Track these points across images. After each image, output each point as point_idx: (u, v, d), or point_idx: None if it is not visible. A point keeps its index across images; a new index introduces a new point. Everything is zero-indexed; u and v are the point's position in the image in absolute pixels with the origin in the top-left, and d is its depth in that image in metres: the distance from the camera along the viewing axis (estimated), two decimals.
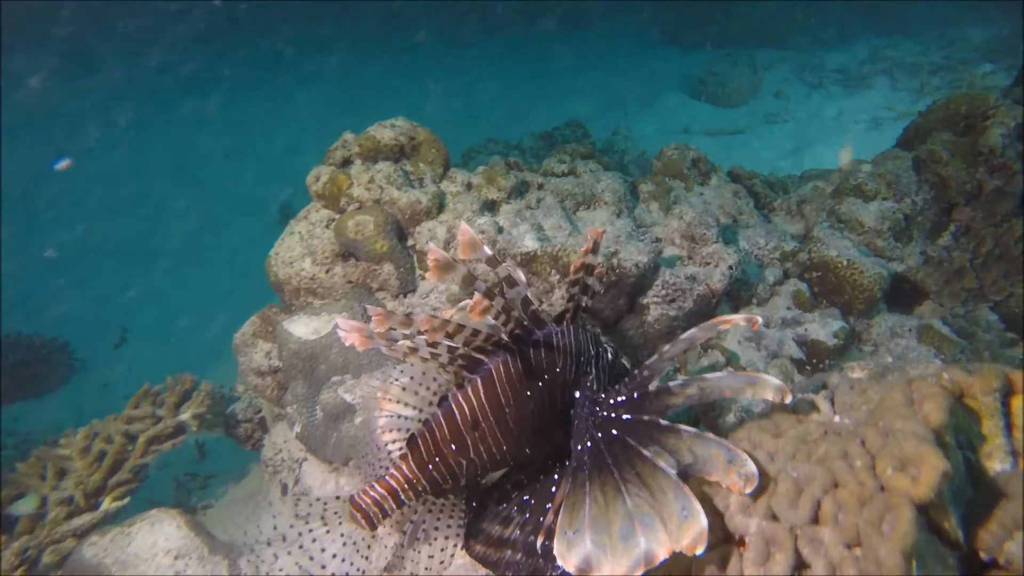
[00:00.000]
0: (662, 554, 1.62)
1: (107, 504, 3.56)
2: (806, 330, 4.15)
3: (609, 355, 2.36)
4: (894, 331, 4.33)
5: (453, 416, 2.10)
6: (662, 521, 1.67)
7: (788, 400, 1.79)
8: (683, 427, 1.85)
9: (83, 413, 7.44)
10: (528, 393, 2.11)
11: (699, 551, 1.59)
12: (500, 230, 3.96)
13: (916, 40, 16.02)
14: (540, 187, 4.49)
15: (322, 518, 2.15)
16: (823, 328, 4.12)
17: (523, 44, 21.92)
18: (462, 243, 1.91)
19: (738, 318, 2.01)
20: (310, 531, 2.13)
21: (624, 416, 2.03)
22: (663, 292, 3.79)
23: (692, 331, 2.02)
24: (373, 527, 2.12)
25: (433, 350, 2.04)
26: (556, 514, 1.94)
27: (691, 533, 1.61)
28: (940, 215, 4.72)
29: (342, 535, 2.13)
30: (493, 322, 2.10)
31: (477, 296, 1.90)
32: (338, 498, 2.15)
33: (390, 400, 2.27)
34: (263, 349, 3.87)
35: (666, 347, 2.05)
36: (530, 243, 3.82)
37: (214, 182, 13.56)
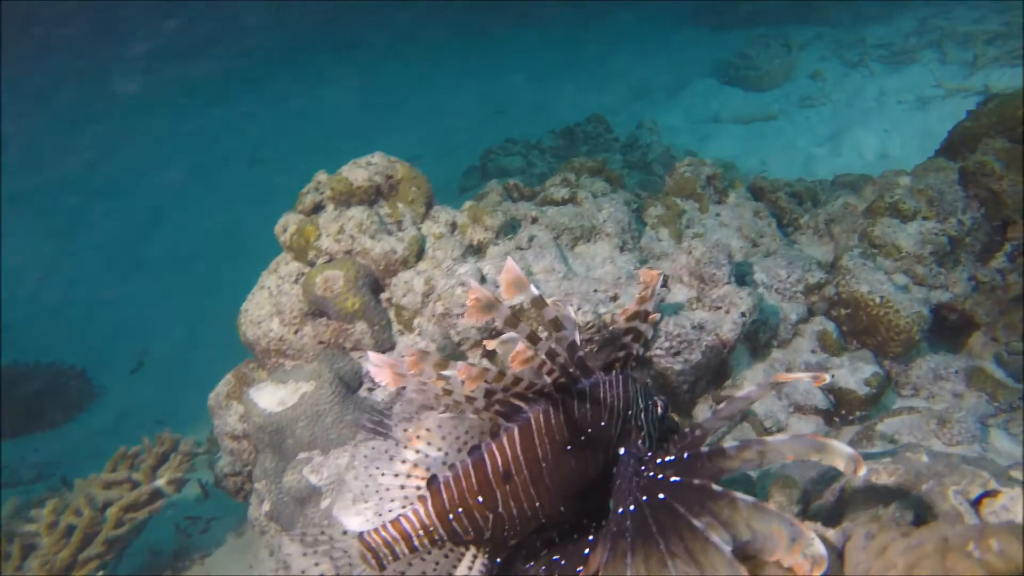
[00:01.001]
0: None
1: None
2: (833, 376, 3.68)
3: (659, 409, 2.23)
4: (937, 373, 3.81)
5: (484, 466, 1.96)
6: None
7: (862, 472, 1.59)
8: (740, 495, 1.67)
9: (99, 442, 7.44)
10: (569, 448, 1.97)
11: None
12: (483, 279, 3.61)
13: (970, 5, 14.79)
14: (534, 221, 4.11)
15: (330, 556, 2.01)
16: (853, 374, 3.65)
17: (551, 33, 21.32)
18: (506, 282, 1.77)
19: (804, 376, 1.81)
20: (316, 565, 2.01)
21: (672, 479, 1.87)
22: (666, 344, 3.38)
23: (751, 388, 1.87)
24: (382, 568, 2.00)
25: (469, 394, 1.91)
26: None
27: None
28: (992, 234, 4.15)
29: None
30: (535, 369, 1.97)
31: (521, 346, 1.77)
32: (346, 533, 2.01)
33: (418, 437, 2.09)
34: (237, 412, 3.62)
35: (722, 405, 1.91)
36: (530, 291, 3.44)
37: (238, 192, 13.54)
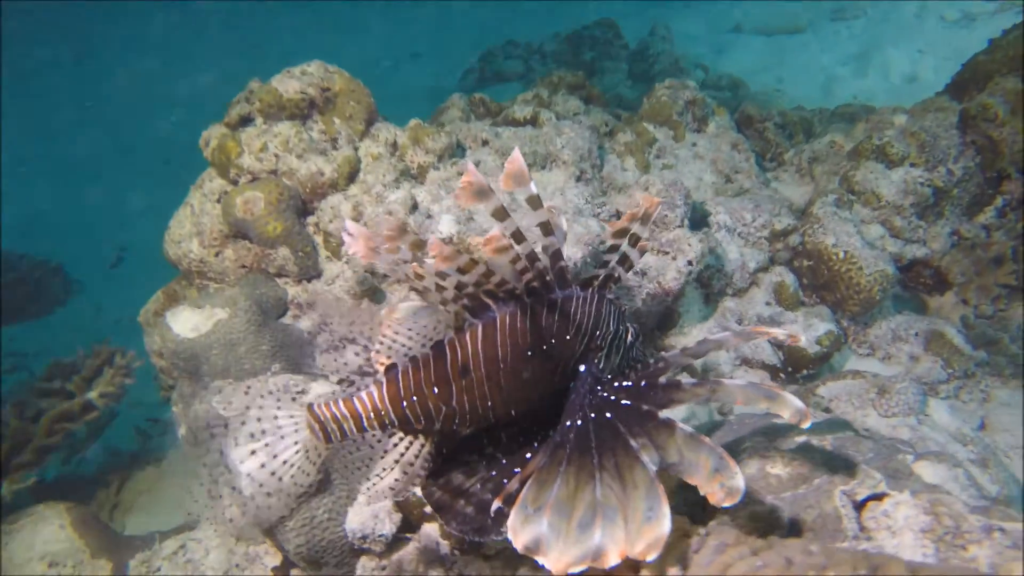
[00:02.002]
0: (612, 556, 1.54)
1: (6, 488, 3.44)
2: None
3: (629, 337, 2.21)
4: (897, 334, 3.61)
5: (443, 358, 1.94)
6: (624, 518, 1.59)
7: (806, 425, 1.61)
8: (680, 425, 1.71)
9: (79, 335, 7.53)
10: (529, 354, 1.95)
11: (651, 557, 1.50)
12: (415, 207, 3.37)
13: None
14: (485, 144, 3.80)
15: (276, 420, 2.04)
16: (805, 331, 3.45)
17: None
18: (508, 173, 1.67)
19: (778, 332, 1.76)
20: (266, 446, 2.05)
21: (623, 401, 1.91)
22: None
23: (724, 334, 1.84)
24: (328, 442, 2.01)
25: (440, 281, 1.85)
26: (523, 483, 1.81)
27: (649, 536, 1.52)
28: (984, 186, 3.80)
29: (296, 442, 2.02)
30: (511, 268, 1.96)
31: (496, 232, 1.72)
32: (294, 400, 2.01)
33: (388, 324, 2.04)
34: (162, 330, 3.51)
35: (692, 344, 1.90)
36: (447, 227, 3.23)
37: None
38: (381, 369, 2.00)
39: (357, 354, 2.08)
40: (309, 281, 3.41)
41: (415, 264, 1.79)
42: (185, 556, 3.16)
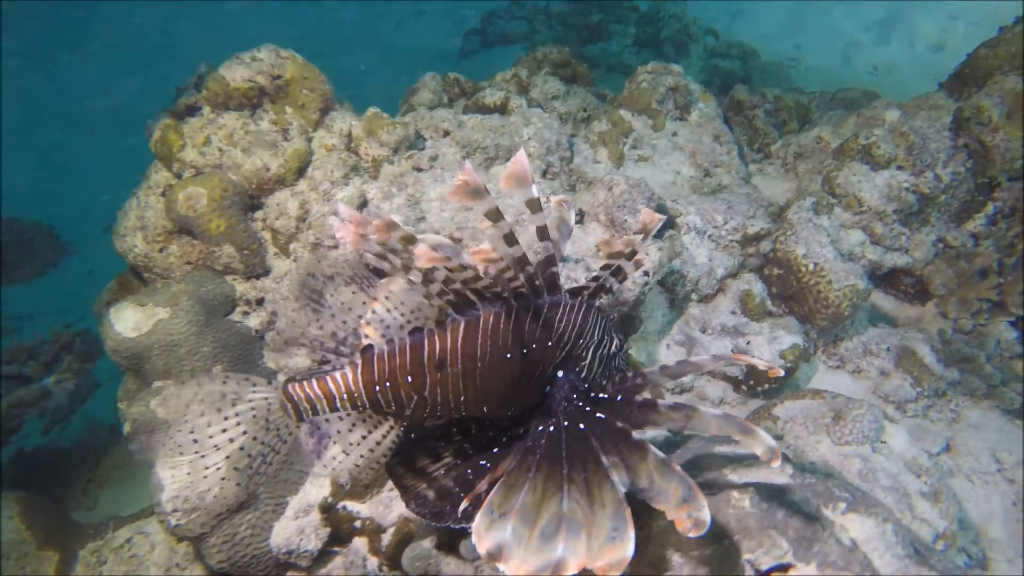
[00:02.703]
0: (571, 567, 1.55)
1: None
2: (749, 343, 3.36)
3: (613, 348, 2.22)
4: (868, 348, 3.46)
5: (421, 349, 1.96)
6: (588, 534, 1.60)
7: (775, 465, 1.65)
8: (653, 449, 1.72)
9: (70, 300, 7.58)
10: (508, 356, 1.96)
11: None
12: (364, 203, 3.24)
13: None
14: (446, 134, 3.63)
15: (251, 403, 2.04)
16: (770, 344, 3.32)
17: None
18: (510, 172, 1.63)
19: (759, 362, 1.80)
20: (238, 424, 2.05)
21: (598, 415, 1.92)
22: None
23: (704, 358, 1.88)
24: (300, 420, 2.05)
25: (429, 275, 1.88)
26: (491, 485, 1.85)
27: (611, 556, 1.54)
28: (975, 193, 3.57)
29: (267, 420, 2.04)
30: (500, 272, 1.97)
31: (486, 246, 1.74)
32: (270, 383, 2.02)
33: (383, 298, 2.05)
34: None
35: (672, 364, 1.90)
36: None
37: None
38: (369, 340, 1.99)
39: (336, 332, 2.07)
40: (258, 279, 3.33)
41: (404, 256, 1.78)
42: (131, 551, 3.19)
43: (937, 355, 3.30)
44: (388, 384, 1.97)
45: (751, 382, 3.35)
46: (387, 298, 2.02)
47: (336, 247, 3.18)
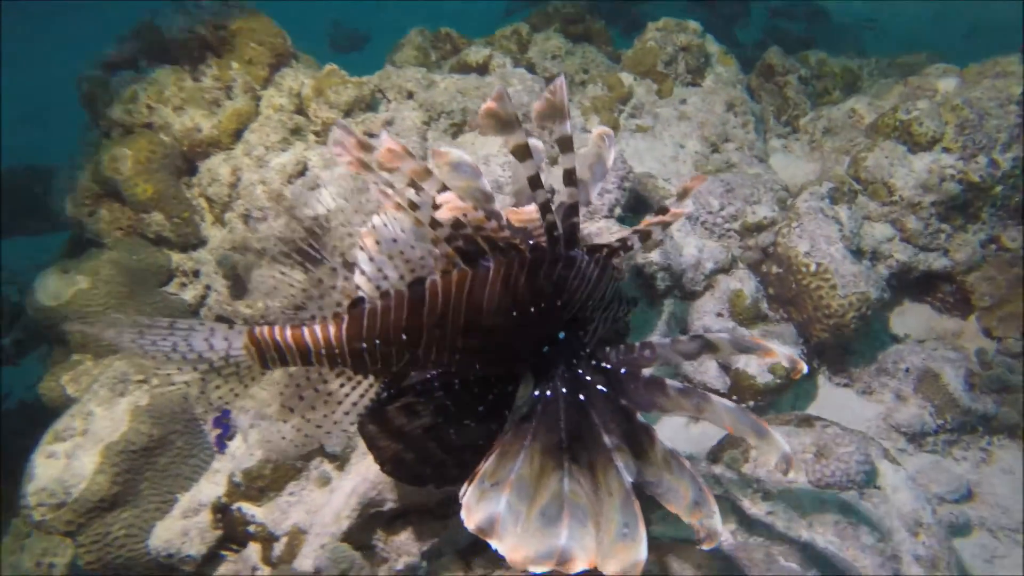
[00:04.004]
0: (580, 563, 1.44)
1: None
2: None
3: (619, 312, 2.07)
4: (882, 366, 2.90)
5: (421, 304, 1.75)
6: (596, 526, 1.49)
7: (791, 475, 1.66)
8: (659, 438, 1.61)
9: None
10: (514, 314, 1.79)
11: None
12: (303, 173, 2.92)
13: None
14: (410, 96, 3.24)
15: (208, 340, 1.80)
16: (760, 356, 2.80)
17: None
18: (545, 103, 1.48)
19: (782, 355, 1.68)
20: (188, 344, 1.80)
21: (599, 387, 1.77)
22: None
23: (722, 335, 1.73)
24: (264, 366, 1.83)
25: (435, 217, 1.68)
26: (486, 460, 1.70)
27: (624, 558, 1.43)
28: None
29: (229, 354, 1.80)
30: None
31: (531, 207, 1.62)
32: (232, 326, 1.81)
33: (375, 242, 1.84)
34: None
35: (685, 338, 1.76)
36: (326, 201, 2.77)
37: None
38: (360, 292, 1.78)
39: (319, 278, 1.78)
40: (195, 249, 3.09)
41: (411, 192, 1.60)
42: None
43: (966, 382, 2.71)
44: (378, 342, 1.76)
45: (734, 397, 2.86)
46: (379, 247, 1.80)
47: (265, 219, 2.89)
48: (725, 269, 3.02)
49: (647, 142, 3.52)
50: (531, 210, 1.61)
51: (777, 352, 1.68)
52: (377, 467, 2.40)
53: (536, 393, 1.81)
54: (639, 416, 1.65)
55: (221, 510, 2.45)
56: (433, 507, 2.33)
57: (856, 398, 2.98)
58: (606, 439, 1.62)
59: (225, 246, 2.85)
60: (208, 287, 3.06)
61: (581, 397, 1.75)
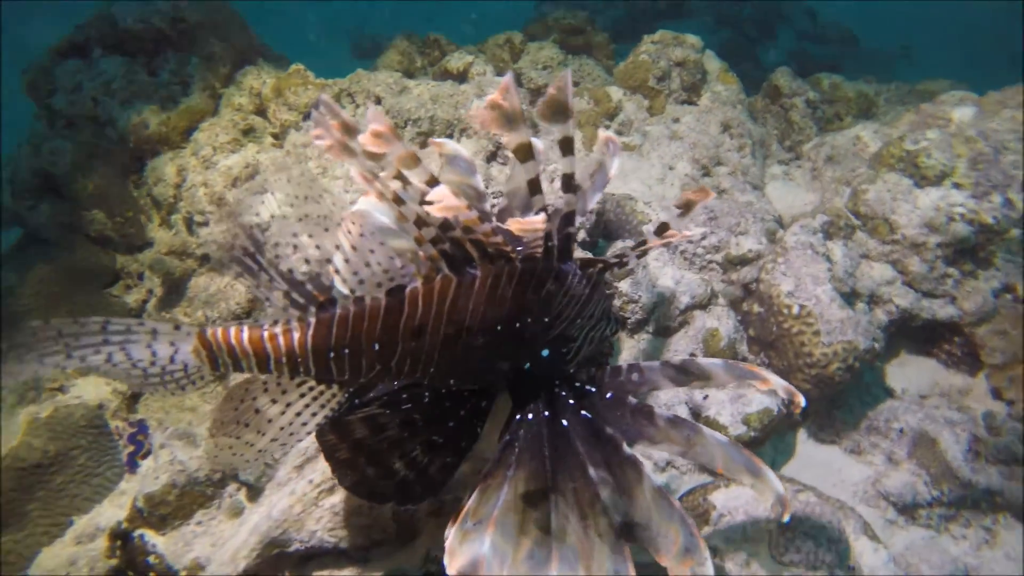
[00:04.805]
0: None
1: None
2: (706, 399, 2.58)
3: (606, 331, 1.97)
4: (874, 424, 2.58)
5: (399, 314, 1.61)
6: (587, 568, 1.41)
7: (785, 519, 1.49)
8: (649, 473, 1.51)
9: None
10: (498, 328, 1.67)
11: None
12: (252, 176, 2.73)
13: None
14: (378, 101, 3.05)
15: (150, 347, 1.63)
16: (733, 403, 2.52)
17: None
18: (550, 99, 1.35)
19: (779, 384, 1.58)
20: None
21: (582, 412, 1.68)
22: None
23: (716, 363, 1.63)
24: (215, 369, 1.69)
25: (423, 213, 1.52)
26: (469, 496, 1.59)
27: None
28: None
29: (174, 356, 1.64)
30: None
31: (539, 217, 1.44)
32: (178, 327, 1.65)
33: (356, 229, 1.69)
34: None
35: (677, 361, 1.66)
36: (271, 207, 2.58)
37: None
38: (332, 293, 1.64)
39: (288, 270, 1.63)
40: (140, 251, 2.92)
41: (399, 184, 1.45)
42: None
43: (969, 448, 2.38)
44: (347, 351, 1.62)
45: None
46: (360, 241, 1.63)
47: (206, 224, 2.71)
48: (702, 305, 2.74)
49: (633, 162, 3.26)
50: (537, 220, 1.46)
51: (773, 382, 1.57)
52: (284, 504, 2.20)
53: (518, 416, 1.70)
54: (626, 447, 1.55)
55: (120, 537, 2.24)
56: (349, 549, 2.10)
57: (843, 457, 2.66)
58: (592, 472, 1.52)
59: (162, 249, 2.67)
60: (151, 291, 2.89)
61: (564, 423, 1.65)
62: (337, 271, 1.64)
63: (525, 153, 1.39)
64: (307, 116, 2.92)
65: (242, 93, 2.95)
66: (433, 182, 1.48)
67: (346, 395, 1.83)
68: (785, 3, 8.44)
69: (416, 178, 1.44)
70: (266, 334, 1.59)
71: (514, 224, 1.52)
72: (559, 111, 1.39)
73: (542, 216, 1.46)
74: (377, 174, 1.46)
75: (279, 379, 1.70)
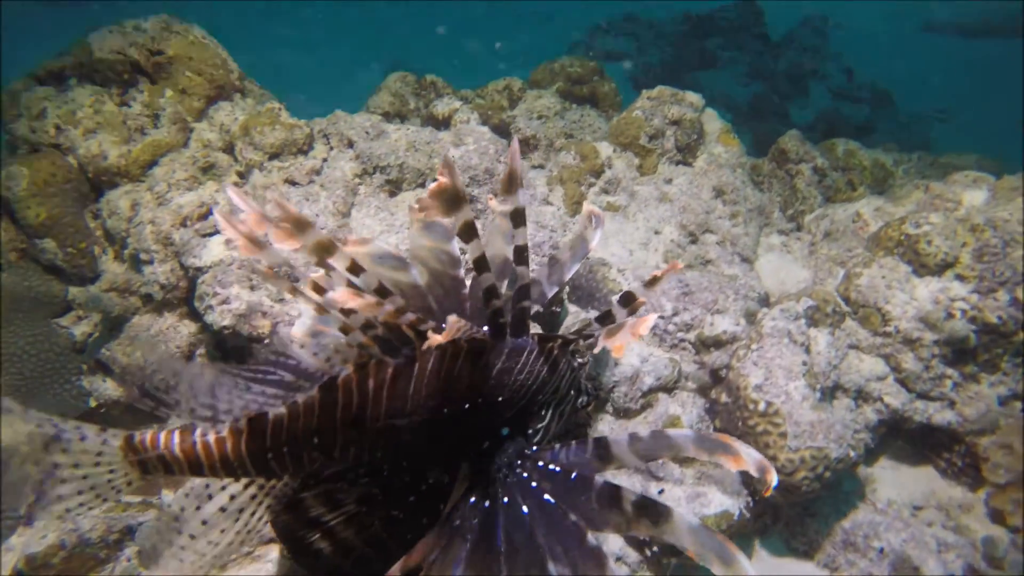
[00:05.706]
0: None
1: None
2: (663, 493, 2.32)
3: (578, 403, 1.91)
4: (850, 539, 2.28)
5: (333, 406, 1.54)
6: None
7: None
8: (612, 567, 1.43)
9: None
10: (445, 412, 1.59)
11: None
12: (205, 216, 2.63)
13: None
14: (350, 145, 2.94)
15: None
16: (690, 502, 2.26)
17: None
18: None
19: (751, 460, 1.45)
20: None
21: (545, 496, 1.59)
22: None
23: (686, 435, 1.54)
24: (145, 473, 1.63)
25: (352, 302, 1.39)
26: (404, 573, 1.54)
27: None
28: None
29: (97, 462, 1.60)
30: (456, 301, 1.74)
31: (455, 321, 1.39)
32: (104, 433, 1.59)
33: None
34: None
35: (647, 436, 1.56)
36: (214, 251, 2.46)
37: None
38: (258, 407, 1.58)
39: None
40: (93, 282, 2.84)
41: (318, 274, 1.44)
42: None
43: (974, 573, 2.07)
44: (287, 449, 1.57)
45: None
46: (291, 335, 1.64)
47: (151, 263, 2.61)
48: (667, 388, 2.50)
49: (616, 223, 3.07)
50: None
51: (744, 456, 1.44)
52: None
53: (472, 500, 1.60)
54: (590, 537, 1.46)
55: None
56: None
57: (815, 572, 2.36)
58: (551, 568, 1.43)
59: (104, 286, 2.57)
60: (98, 325, 2.80)
61: (524, 510, 1.55)
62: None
63: (468, 232, 1.37)
64: (274, 156, 2.82)
65: (212, 129, 2.88)
66: (355, 268, 1.41)
67: (291, 482, 1.76)
68: (824, 60, 8.24)
69: (338, 264, 1.37)
70: (198, 443, 1.54)
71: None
72: (509, 184, 1.38)
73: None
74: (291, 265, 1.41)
75: (220, 482, 1.66)
